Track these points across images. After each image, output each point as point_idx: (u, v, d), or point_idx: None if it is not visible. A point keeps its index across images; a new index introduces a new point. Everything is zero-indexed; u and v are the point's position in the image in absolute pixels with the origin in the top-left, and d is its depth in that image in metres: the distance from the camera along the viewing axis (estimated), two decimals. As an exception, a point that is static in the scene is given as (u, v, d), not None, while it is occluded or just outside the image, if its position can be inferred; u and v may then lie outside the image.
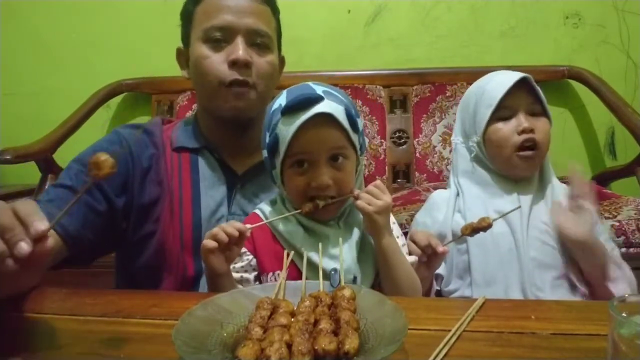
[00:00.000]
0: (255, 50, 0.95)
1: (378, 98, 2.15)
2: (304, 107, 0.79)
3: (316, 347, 0.49)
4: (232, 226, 0.74)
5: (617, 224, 1.46)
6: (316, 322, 0.55)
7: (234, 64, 0.92)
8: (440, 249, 0.86)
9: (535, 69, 2.08)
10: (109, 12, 2.33)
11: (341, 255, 0.73)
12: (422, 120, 2.12)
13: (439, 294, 1.00)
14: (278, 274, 0.82)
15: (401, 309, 0.55)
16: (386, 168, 2.10)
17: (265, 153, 0.87)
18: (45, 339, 0.65)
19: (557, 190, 1.02)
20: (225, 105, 0.93)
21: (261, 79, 0.95)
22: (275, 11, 1.02)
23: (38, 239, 0.56)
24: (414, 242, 0.88)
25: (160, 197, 0.94)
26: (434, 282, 0.99)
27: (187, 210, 0.95)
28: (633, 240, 1.46)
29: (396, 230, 0.90)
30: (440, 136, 2.08)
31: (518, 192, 1.01)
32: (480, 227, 0.88)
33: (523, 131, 0.98)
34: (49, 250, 0.58)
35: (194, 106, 2.10)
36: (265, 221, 0.84)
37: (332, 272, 0.72)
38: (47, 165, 1.99)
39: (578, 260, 0.93)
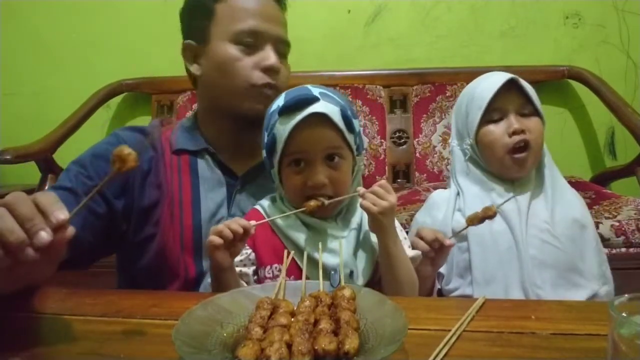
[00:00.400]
0: (279, 58, 0.97)
1: (378, 98, 2.15)
2: (300, 107, 0.81)
3: (316, 347, 0.49)
4: (237, 223, 0.75)
5: (617, 224, 1.47)
6: (316, 322, 0.55)
7: (267, 70, 0.94)
8: (447, 242, 0.87)
9: (535, 69, 2.08)
10: (109, 12, 2.34)
11: (341, 250, 0.74)
12: (422, 120, 2.12)
13: (439, 292, 1.01)
14: (276, 267, 0.84)
15: (401, 309, 0.55)
16: (386, 168, 2.10)
17: (264, 153, 0.88)
18: (45, 339, 0.65)
19: (563, 190, 1.02)
20: (255, 106, 0.94)
21: (284, 84, 0.98)
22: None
23: (57, 228, 0.57)
24: (421, 237, 0.88)
25: (160, 200, 0.94)
26: (437, 281, 0.99)
27: (187, 212, 0.95)
28: (633, 240, 1.46)
29: (397, 225, 0.91)
30: (440, 136, 2.08)
31: (515, 191, 1.01)
32: (486, 216, 0.87)
33: (514, 132, 0.98)
34: (68, 239, 0.58)
35: (194, 106, 2.10)
36: (267, 219, 0.85)
37: (332, 272, 0.73)
38: (47, 165, 2.00)
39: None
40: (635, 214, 1.49)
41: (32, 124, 2.28)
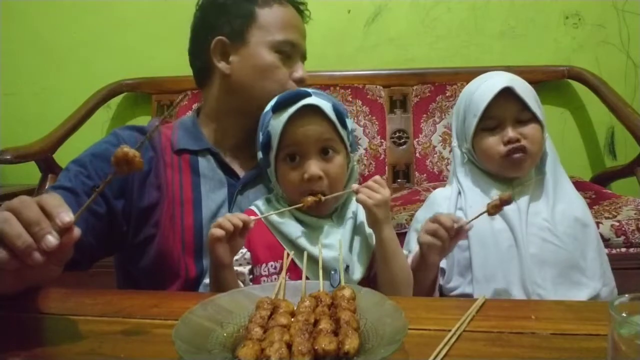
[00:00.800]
0: None
1: (378, 98, 2.15)
2: (293, 101, 0.83)
3: (316, 347, 0.49)
4: (237, 217, 0.76)
5: (617, 224, 1.47)
6: (316, 322, 0.55)
7: (298, 82, 1.00)
8: (467, 225, 0.87)
9: (535, 69, 2.08)
10: (109, 12, 2.34)
11: (341, 250, 0.74)
12: (422, 120, 2.12)
13: (440, 289, 1.01)
14: (272, 265, 0.84)
15: (401, 309, 0.55)
16: (386, 168, 2.10)
17: (260, 154, 0.90)
18: (46, 339, 0.65)
19: (565, 189, 1.02)
20: None
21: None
22: None
23: (63, 231, 0.57)
24: (439, 222, 0.86)
25: (160, 201, 0.94)
26: (439, 277, 0.99)
27: (188, 212, 0.95)
28: (633, 240, 1.46)
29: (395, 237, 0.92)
30: (440, 136, 2.08)
31: (515, 191, 1.01)
32: (504, 201, 0.86)
33: (509, 142, 0.97)
34: (74, 241, 0.59)
35: (194, 106, 2.10)
36: (266, 214, 0.86)
37: (332, 272, 0.73)
38: (47, 165, 2.00)
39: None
40: (635, 214, 1.49)
41: (32, 124, 2.29)
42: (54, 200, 0.59)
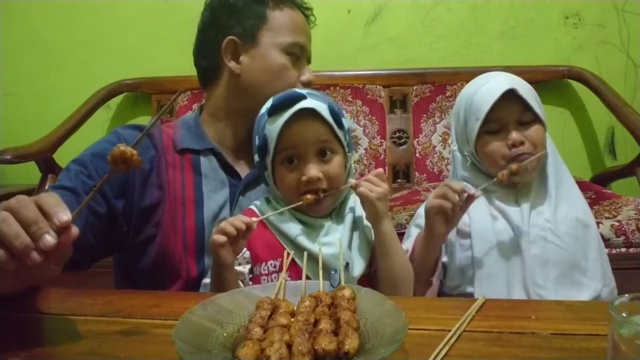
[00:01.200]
0: None
1: (378, 98, 2.15)
2: (288, 104, 0.83)
3: (316, 347, 0.49)
4: (240, 220, 0.76)
5: (617, 224, 1.46)
6: (316, 322, 0.55)
7: (305, 84, 1.02)
8: (477, 193, 0.90)
9: (535, 69, 2.08)
10: (109, 12, 2.34)
11: (341, 249, 0.74)
12: (422, 120, 2.12)
13: (441, 285, 1.01)
14: (271, 264, 0.85)
15: (401, 309, 0.55)
16: (386, 168, 2.10)
17: (256, 157, 0.90)
18: (45, 339, 0.65)
19: (568, 188, 1.02)
20: None
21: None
22: None
23: (62, 230, 0.57)
24: (449, 186, 0.89)
25: (161, 200, 0.94)
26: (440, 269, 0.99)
27: (189, 212, 0.95)
28: (633, 240, 1.46)
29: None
30: (440, 136, 2.08)
31: (517, 193, 1.01)
32: (514, 172, 0.92)
33: (513, 145, 0.96)
34: (72, 240, 0.59)
35: (194, 106, 2.10)
36: (266, 214, 0.85)
37: (332, 272, 0.73)
38: (47, 165, 1.99)
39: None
40: (635, 214, 1.49)
41: (32, 124, 2.29)
42: (52, 200, 0.59)
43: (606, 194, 1.69)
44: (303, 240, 0.84)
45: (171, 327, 0.52)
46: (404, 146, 2.14)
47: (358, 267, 0.85)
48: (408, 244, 1.01)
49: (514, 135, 0.96)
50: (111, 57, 2.35)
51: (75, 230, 0.59)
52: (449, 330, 0.58)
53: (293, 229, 0.85)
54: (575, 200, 1.02)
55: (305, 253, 0.76)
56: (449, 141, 2.06)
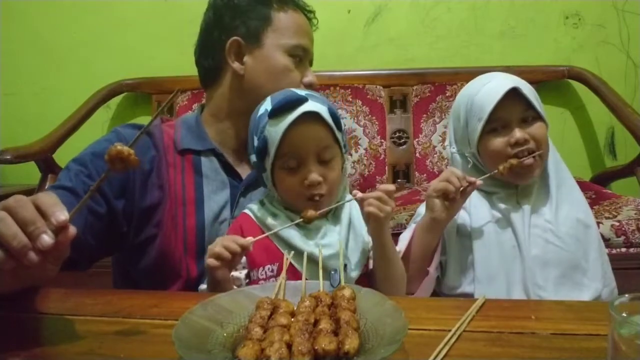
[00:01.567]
0: None
1: (378, 98, 2.15)
2: (291, 107, 0.82)
3: (316, 347, 0.49)
4: (235, 242, 0.75)
5: (617, 224, 1.46)
6: (316, 322, 0.55)
7: (308, 85, 1.02)
8: (478, 181, 0.93)
9: (535, 69, 2.08)
10: (109, 12, 2.34)
11: (341, 249, 0.74)
12: (422, 120, 2.12)
13: (438, 283, 1.01)
14: (269, 268, 0.84)
15: (401, 309, 0.55)
16: (386, 168, 2.10)
17: (253, 157, 0.88)
18: (45, 339, 0.65)
19: (569, 189, 1.02)
20: None
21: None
22: None
23: (59, 229, 0.57)
24: (452, 172, 0.94)
25: (162, 201, 0.94)
26: (436, 270, 1.00)
27: (190, 213, 0.95)
28: (633, 240, 1.46)
29: None
30: (440, 136, 2.08)
31: (518, 194, 1.01)
32: (514, 167, 0.94)
33: (517, 143, 0.96)
34: (70, 239, 0.59)
35: (194, 106, 2.10)
36: (267, 233, 0.83)
37: (332, 272, 0.73)
38: (47, 165, 2.00)
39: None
40: (635, 214, 1.49)
41: (32, 124, 2.29)
42: (50, 199, 0.59)
43: (606, 194, 1.69)
44: (301, 244, 0.83)
45: (171, 327, 0.52)
46: (404, 146, 2.14)
47: (354, 268, 0.86)
48: (406, 235, 1.02)
49: (518, 133, 0.96)
50: (111, 57, 2.35)
51: (72, 229, 0.59)
52: (449, 330, 0.58)
53: (291, 234, 0.84)
54: (576, 201, 1.02)
55: (305, 255, 0.75)
56: (445, 143, 2.04)
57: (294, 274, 0.78)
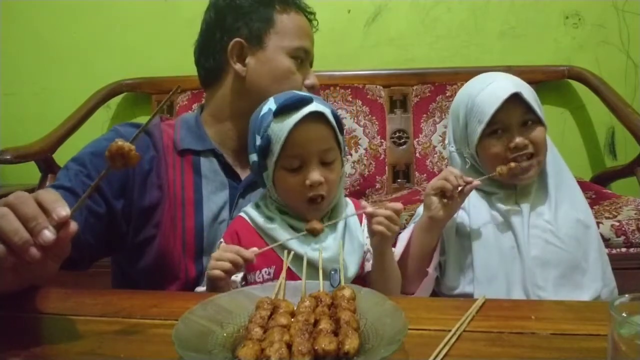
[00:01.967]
0: None
1: (378, 98, 2.15)
2: (297, 107, 0.82)
3: (316, 347, 0.49)
4: (238, 254, 0.75)
5: (617, 224, 1.46)
6: (316, 322, 0.55)
7: (309, 87, 1.03)
8: (475, 181, 0.93)
9: (535, 69, 2.08)
10: (109, 12, 2.34)
11: (341, 250, 0.74)
12: (422, 120, 2.12)
13: (437, 284, 1.01)
14: (266, 271, 0.84)
15: (401, 309, 0.55)
16: (386, 168, 2.10)
17: (254, 157, 0.87)
18: (46, 339, 0.65)
19: (569, 189, 1.02)
20: None
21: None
22: None
23: (60, 225, 0.57)
24: (450, 171, 0.94)
25: (161, 201, 0.93)
26: (436, 271, 1.00)
27: (189, 213, 0.94)
28: (633, 240, 1.46)
29: None
30: (440, 136, 2.08)
31: (517, 195, 1.01)
32: (512, 170, 0.94)
33: (515, 148, 0.95)
34: (71, 236, 0.59)
35: (194, 106, 2.10)
36: (271, 245, 0.82)
37: (332, 272, 0.73)
38: (47, 165, 2.00)
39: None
40: (635, 214, 1.49)
41: (32, 124, 2.28)
42: (51, 196, 0.59)
43: (606, 194, 1.69)
44: (298, 247, 0.82)
45: (171, 327, 0.52)
46: (404, 146, 2.14)
47: (351, 270, 0.86)
48: (405, 235, 1.02)
49: (518, 139, 0.95)
50: (111, 57, 2.35)
51: (74, 225, 0.59)
52: (449, 330, 0.58)
53: (286, 235, 0.84)
54: (576, 201, 1.02)
55: (305, 257, 0.74)
56: (446, 142, 2.05)
57: (291, 278, 0.77)
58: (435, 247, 0.98)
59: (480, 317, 0.64)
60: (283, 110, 0.82)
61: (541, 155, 0.98)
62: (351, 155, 2.07)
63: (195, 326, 0.55)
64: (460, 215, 1.01)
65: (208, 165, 0.99)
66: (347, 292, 0.60)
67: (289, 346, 0.50)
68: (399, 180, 2.13)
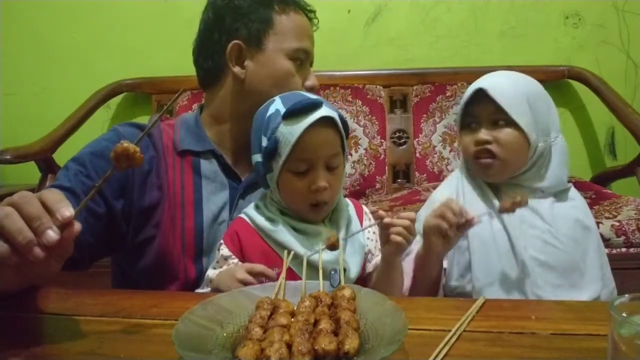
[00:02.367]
0: None
1: (378, 98, 2.15)
2: (307, 111, 0.82)
3: (316, 347, 0.49)
4: (263, 272, 0.77)
5: (617, 224, 1.47)
6: (316, 322, 0.55)
7: (309, 89, 1.01)
8: (476, 219, 0.89)
9: (535, 69, 2.08)
10: (109, 12, 2.34)
11: (341, 250, 0.74)
12: (422, 120, 2.12)
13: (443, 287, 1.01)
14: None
15: (401, 309, 0.55)
16: (386, 168, 2.10)
17: (259, 157, 0.87)
18: (45, 339, 0.65)
19: (567, 191, 1.02)
20: None
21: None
22: None
23: (64, 226, 0.57)
24: (448, 206, 0.89)
25: (161, 201, 0.93)
26: (442, 275, 1.00)
27: (189, 214, 0.94)
28: (633, 240, 1.46)
29: None
30: (440, 136, 2.08)
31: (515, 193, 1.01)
32: (516, 204, 0.89)
33: (477, 142, 0.98)
34: (75, 236, 0.59)
35: (194, 106, 2.10)
36: (287, 263, 0.78)
37: (332, 272, 0.73)
38: (47, 165, 2.00)
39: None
40: (635, 214, 1.49)
41: (32, 124, 2.28)
42: (55, 196, 0.59)
43: (606, 194, 1.69)
44: (300, 248, 0.82)
45: (171, 327, 0.52)
46: (404, 146, 2.14)
47: (354, 271, 0.86)
48: (408, 260, 1.00)
49: (480, 134, 0.98)
50: (111, 57, 2.35)
51: (77, 226, 0.59)
52: (449, 330, 0.58)
53: (289, 239, 0.84)
54: (575, 202, 1.02)
55: (305, 258, 0.74)
56: (449, 141, 2.07)
57: (292, 278, 0.77)
58: (440, 270, 0.98)
59: (480, 317, 0.64)
60: (294, 113, 0.81)
61: (504, 157, 0.97)
62: (351, 155, 2.07)
63: (195, 326, 0.55)
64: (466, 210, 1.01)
65: (208, 165, 0.99)
66: (347, 292, 0.60)
67: (289, 346, 0.50)
68: (399, 180, 2.14)
